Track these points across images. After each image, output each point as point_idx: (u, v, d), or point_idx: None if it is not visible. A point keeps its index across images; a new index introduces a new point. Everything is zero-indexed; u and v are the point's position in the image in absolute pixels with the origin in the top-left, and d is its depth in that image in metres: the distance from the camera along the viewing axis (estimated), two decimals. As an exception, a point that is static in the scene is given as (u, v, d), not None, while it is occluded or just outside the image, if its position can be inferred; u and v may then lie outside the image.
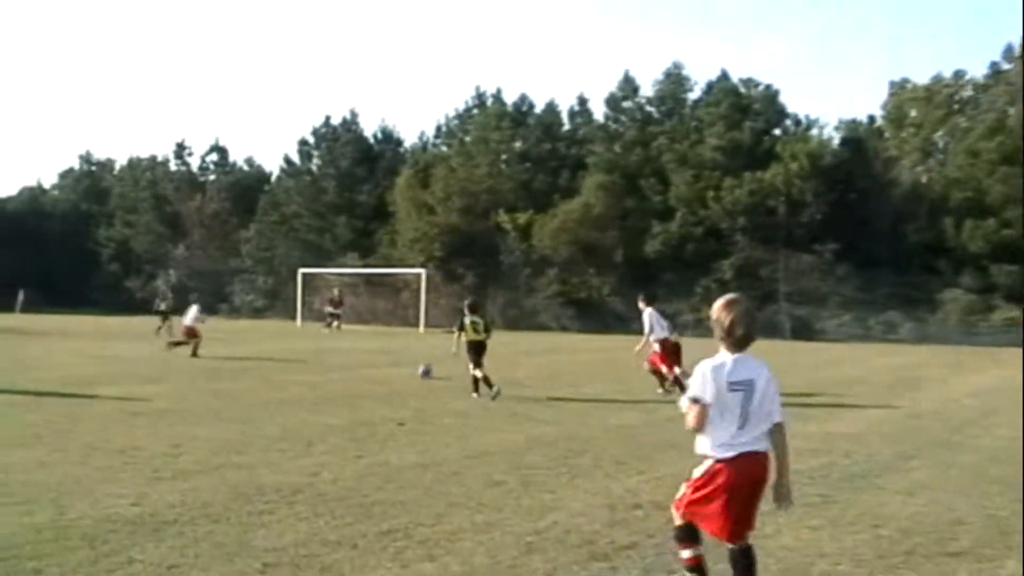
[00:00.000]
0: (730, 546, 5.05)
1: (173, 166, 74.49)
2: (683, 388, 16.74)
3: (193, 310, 26.19)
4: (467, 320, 16.70)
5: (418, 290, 48.57)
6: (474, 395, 16.00)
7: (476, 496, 8.02)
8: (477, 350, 16.42)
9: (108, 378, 18.10)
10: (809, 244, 46.01)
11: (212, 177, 73.29)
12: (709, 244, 48.45)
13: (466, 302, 17.77)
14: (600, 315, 49.42)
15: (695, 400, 4.91)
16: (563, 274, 51.72)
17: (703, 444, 4.99)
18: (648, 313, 17.31)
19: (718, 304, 5.03)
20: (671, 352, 17.24)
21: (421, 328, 45.09)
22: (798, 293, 46.28)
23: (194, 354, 24.54)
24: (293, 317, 52.19)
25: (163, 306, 35.13)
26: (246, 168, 74.18)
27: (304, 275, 52.38)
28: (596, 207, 50.46)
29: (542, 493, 8.20)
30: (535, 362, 25.35)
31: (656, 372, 17.36)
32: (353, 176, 62.55)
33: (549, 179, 55.14)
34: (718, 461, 4.91)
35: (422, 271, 48.75)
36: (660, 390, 16.93)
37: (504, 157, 57.84)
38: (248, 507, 7.40)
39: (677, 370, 16.86)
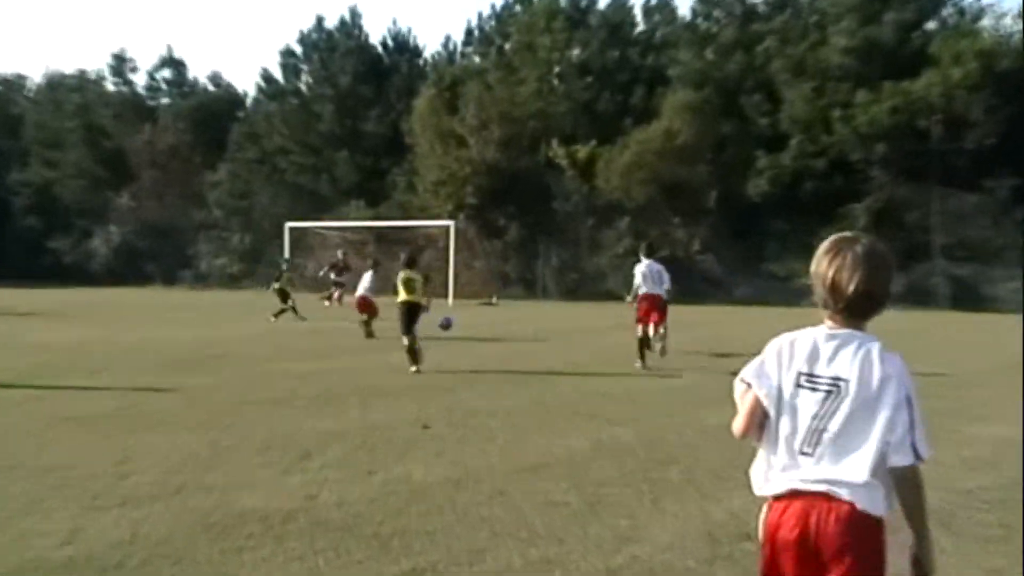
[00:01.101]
0: None
1: (111, 85, 75.17)
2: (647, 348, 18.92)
3: (367, 278, 27.25)
4: (400, 276, 18.35)
5: (445, 248, 48.68)
6: (413, 368, 18.05)
7: (528, 523, 8.00)
8: (410, 313, 18.31)
9: (31, 372, 18.22)
10: (976, 179, 45.37)
11: (165, 101, 73.81)
12: (835, 181, 48.09)
13: (403, 255, 19.47)
14: (688, 278, 48.52)
15: (747, 384, 4.04)
16: (638, 224, 51.52)
17: (757, 469, 4.13)
18: (644, 265, 19.26)
19: (820, 249, 3.93)
20: (656, 308, 19.13)
21: (450, 299, 45.27)
22: (960, 246, 45.77)
23: (368, 334, 25.59)
24: (279, 287, 52.37)
25: (277, 284, 33.83)
26: (211, 88, 74.84)
27: (293, 230, 52.62)
28: (681, 135, 50.35)
29: (616, 519, 8.16)
30: (603, 342, 25.30)
31: (643, 342, 18.95)
32: (356, 98, 62.84)
33: (618, 98, 55.06)
34: (773, 499, 3.96)
35: (450, 223, 48.84)
36: (638, 363, 18.74)
37: (557, 70, 57.71)
38: (222, 543, 7.41)
39: (651, 329, 19.02)
